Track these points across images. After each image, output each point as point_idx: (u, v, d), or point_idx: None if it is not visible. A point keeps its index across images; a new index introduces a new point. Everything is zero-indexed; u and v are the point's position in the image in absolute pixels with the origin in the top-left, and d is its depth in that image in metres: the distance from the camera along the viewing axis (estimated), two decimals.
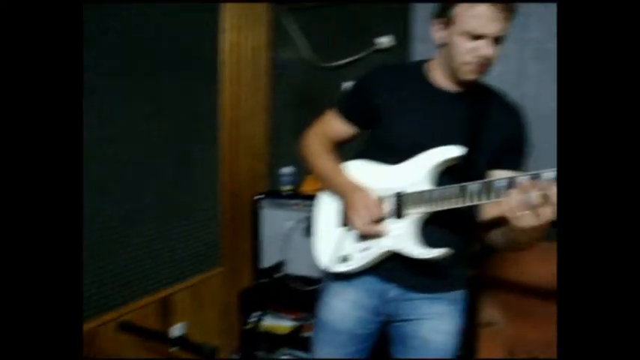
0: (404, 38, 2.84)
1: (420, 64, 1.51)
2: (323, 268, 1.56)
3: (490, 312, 2.18)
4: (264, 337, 2.67)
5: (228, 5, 2.64)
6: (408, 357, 1.51)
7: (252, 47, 2.86)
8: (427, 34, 2.61)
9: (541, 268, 2.48)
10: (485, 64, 1.35)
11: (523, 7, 2.51)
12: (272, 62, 3.03)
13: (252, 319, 2.69)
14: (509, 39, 2.51)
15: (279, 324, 2.69)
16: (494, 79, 2.60)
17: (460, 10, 1.30)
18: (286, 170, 2.88)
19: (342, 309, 1.56)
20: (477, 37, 1.30)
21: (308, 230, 1.65)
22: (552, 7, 2.49)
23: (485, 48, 1.31)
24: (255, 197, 2.77)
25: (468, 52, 1.32)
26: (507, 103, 1.53)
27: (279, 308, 2.73)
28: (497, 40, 1.32)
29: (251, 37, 2.85)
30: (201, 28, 2.50)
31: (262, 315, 2.68)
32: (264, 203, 2.75)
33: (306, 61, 2.99)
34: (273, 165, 3.07)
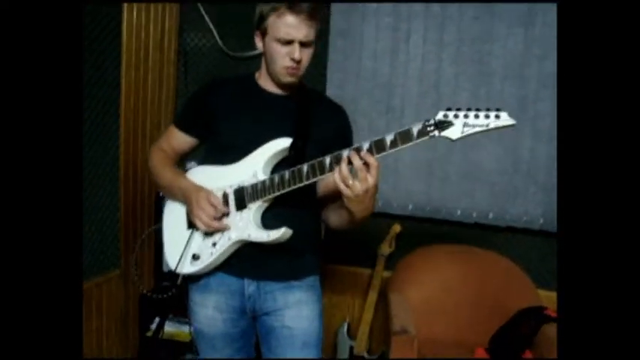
0: (321, 33, 2.75)
1: (252, 74, 1.67)
2: (174, 270, 1.63)
3: (401, 320, 2.15)
4: (166, 344, 2.50)
5: None
6: (278, 347, 1.60)
7: (160, 31, 2.66)
8: (346, 28, 2.57)
9: (449, 271, 2.52)
10: (298, 67, 1.51)
11: (442, 10, 2.52)
12: (181, 49, 2.84)
13: (153, 326, 2.50)
14: (429, 41, 2.54)
15: (182, 330, 2.54)
16: (413, 79, 2.59)
17: (271, 21, 1.47)
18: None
19: (209, 316, 1.62)
20: (287, 42, 1.47)
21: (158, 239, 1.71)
22: (471, 11, 2.50)
23: (296, 52, 1.47)
24: (158, 194, 2.58)
25: (282, 57, 1.49)
26: (333, 104, 1.70)
27: (182, 313, 2.56)
28: (305, 44, 1.49)
29: (159, 20, 2.64)
30: (101, 15, 2.28)
31: (164, 321, 2.51)
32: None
33: (217, 49, 2.82)
34: None
